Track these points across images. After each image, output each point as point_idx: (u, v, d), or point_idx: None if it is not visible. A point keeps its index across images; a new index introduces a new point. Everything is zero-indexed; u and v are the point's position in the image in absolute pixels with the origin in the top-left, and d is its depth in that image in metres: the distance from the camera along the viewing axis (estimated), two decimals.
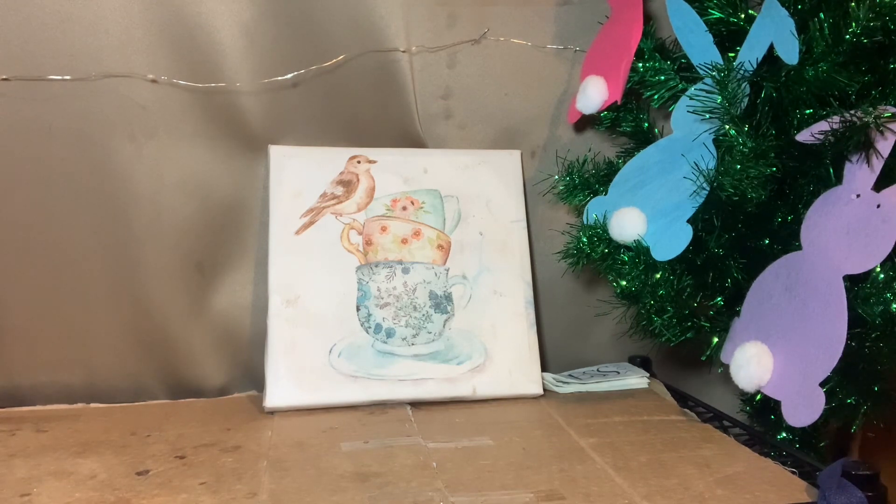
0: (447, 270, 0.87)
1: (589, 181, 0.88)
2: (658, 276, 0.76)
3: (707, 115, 0.73)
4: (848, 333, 0.65)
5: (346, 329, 0.83)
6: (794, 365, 0.69)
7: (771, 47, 0.72)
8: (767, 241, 0.79)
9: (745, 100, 0.73)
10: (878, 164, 0.67)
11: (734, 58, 0.75)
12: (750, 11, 0.79)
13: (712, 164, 0.74)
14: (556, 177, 0.89)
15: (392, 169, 0.88)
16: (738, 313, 0.77)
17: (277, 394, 0.79)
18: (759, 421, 0.86)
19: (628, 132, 0.90)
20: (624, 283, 0.78)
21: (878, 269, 0.68)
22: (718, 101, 0.72)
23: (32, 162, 0.81)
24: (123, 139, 0.82)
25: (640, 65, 0.84)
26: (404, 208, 0.87)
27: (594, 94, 0.85)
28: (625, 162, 0.85)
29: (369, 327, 0.83)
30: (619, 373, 0.90)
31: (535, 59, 0.92)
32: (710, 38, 0.77)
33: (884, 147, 0.67)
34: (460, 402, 0.82)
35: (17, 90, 0.79)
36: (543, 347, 0.92)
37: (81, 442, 0.71)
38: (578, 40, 0.92)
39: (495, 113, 0.92)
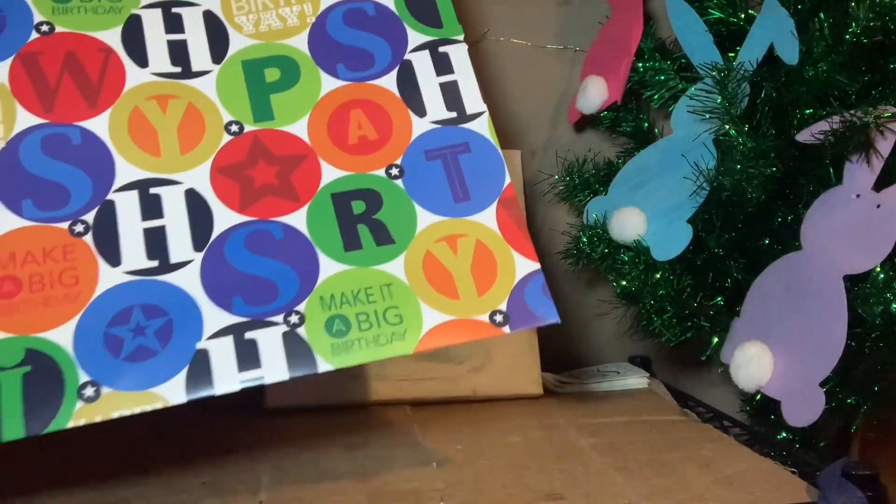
0: None
1: (589, 181, 0.88)
2: (658, 276, 0.76)
3: (707, 115, 0.73)
4: (848, 333, 0.65)
5: None
6: (794, 365, 0.69)
7: (771, 47, 0.72)
8: (767, 241, 0.79)
9: (745, 100, 0.73)
10: (878, 164, 0.67)
11: (734, 58, 0.75)
12: (750, 11, 0.79)
13: (712, 164, 0.74)
14: (556, 177, 0.89)
15: None
16: (738, 313, 0.77)
17: (277, 393, 0.79)
18: (759, 421, 0.86)
19: (628, 132, 0.90)
20: (624, 283, 0.78)
21: (878, 269, 0.68)
22: (718, 101, 0.72)
23: None
24: None
25: (640, 65, 0.84)
26: None
27: (594, 94, 0.86)
28: (625, 162, 0.85)
29: None
30: (619, 373, 0.90)
31: (535, 59, 0.92)
32: (710, 38, 0.77)
33: (884, 147, 0.67)
34: (460, 401, 0.82)
35: None
36: (543, 347, 0.92)
37: (82, 441, 0.71)
38: (578, 40, 0.92)
39: (495, 113, 0.92)
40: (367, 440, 0.71)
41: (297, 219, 0.53)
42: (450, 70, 0.59)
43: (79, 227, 0.51)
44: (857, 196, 0.69)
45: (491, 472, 0.64)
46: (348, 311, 0.51)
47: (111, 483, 0.62)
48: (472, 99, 0.58)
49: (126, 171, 0.53)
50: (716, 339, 0.79)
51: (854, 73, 0.71)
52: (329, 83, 0.57)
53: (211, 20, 0.57)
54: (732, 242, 0.79)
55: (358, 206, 0.54)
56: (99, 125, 0.53)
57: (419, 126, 0.57)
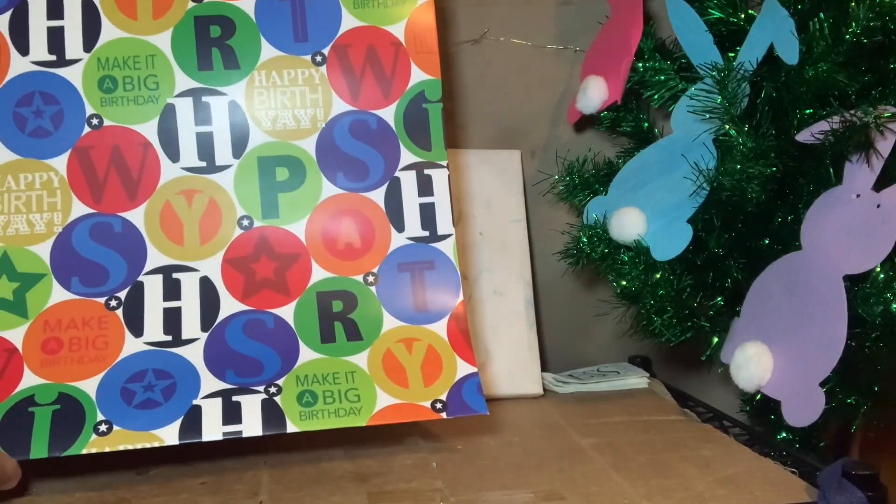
0: None
1: (589, 181, 0.88)
2: (658, 276, 0.76)
3: (707, 115, 0.73)
4: (848, 333, 0.65)
5: None
6: (794, 365, 0.69)
7: (771, 47, 0.72)
8: (767, 241, 0.79)
9: (745, 100, 0.73)
10: (878, 164, 0.67)
11: (734, 58, 0.75)
12: (750, 11, 0.79)
13: (712, 164, 0.74)
14: (556, 177, 0.89)
15: None
16: (738, 313, 0.77)
17: None
18: (759, 421, 0.86)
19: (628, 132, 0.90)
20: (624, 283, 0.78)
21: (878, 269, 0.68)
22: (718, 101, 0.72)
23: None
24: None
25: (640, 65, 0.84)
26: None
27: (594, 94, 0.85)
28: (625, 162, 0.85)
29: None
30: (619, 373, 0.90)
31: (535, 59, 0.92)
32: (710, 38, 0.77)
33: (884, 147, 0.67)
34: None
35: None
36: (543, 347, 0.92)
37: None
38: (578, 40, 0.92)
39: (495, 113, 0.92)
40: (367, 440, 0.71)
41: (287, 312, 0.63)
42: (430, 192, 0.66)
43: (113, 303, 0.61)
44: (857, 196, 0.69)
45: (491, 472, 0.64)
46: (317, 388, 0.61)
47: (111, 483, 0.62)
48: (444, 221, 0.66)
49: (155, 257, 0.63)
50: (716, 339, 0.79)
51: (854, 73, 0.71)
52: (328, 189, 0.65)
53: (235, 111, 0.65)
54: (732, 242, 0.79)
55: (337, 305, 0.64)
56: (136, 217, 0.63)
57: (397, 240, 0.66)
